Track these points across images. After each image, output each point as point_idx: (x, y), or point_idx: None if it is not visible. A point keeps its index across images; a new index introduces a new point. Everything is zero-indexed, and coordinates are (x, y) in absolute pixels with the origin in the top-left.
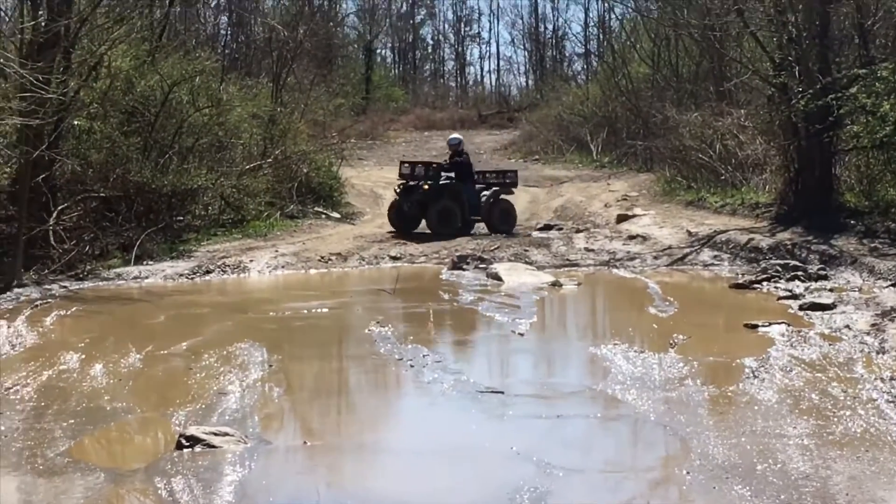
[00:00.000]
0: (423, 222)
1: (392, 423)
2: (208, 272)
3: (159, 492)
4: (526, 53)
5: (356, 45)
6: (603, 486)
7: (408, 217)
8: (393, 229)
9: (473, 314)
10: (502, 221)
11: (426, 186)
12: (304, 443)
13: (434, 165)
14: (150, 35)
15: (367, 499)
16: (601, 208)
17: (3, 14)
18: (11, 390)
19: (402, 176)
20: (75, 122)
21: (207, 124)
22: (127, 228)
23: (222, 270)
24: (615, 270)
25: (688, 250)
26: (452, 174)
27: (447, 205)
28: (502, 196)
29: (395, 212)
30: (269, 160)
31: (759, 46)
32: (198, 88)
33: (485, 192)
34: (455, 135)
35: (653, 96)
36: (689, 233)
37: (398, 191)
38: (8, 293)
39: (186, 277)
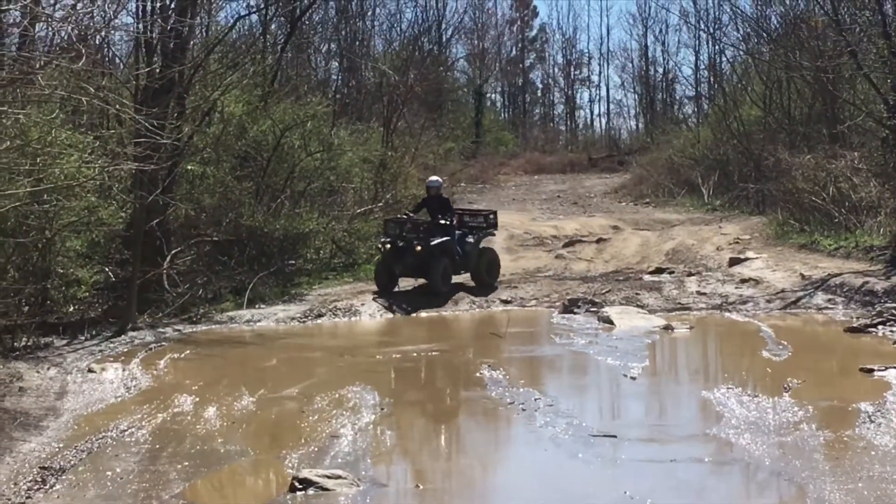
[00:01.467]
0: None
1: (504, 467)
2: (320, 315)
3: None
4: (636, 97)
5: (466, 90)
6: None
7: (395, 278)
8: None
9: (585, 358)
10: (489, 273)
11: (419, 248)
12: (417, 486)
13: (421, 223)
14: (262, 81)
15: None
16: (713, 251)
17: (118, 60)
18: (127, 432)
19: (387, 235)
20: (189, 167)
21: (319, 169)
22: (239, 272)
23: (334, 314)
24: (727, 314)
25: (801, 294)
26: (443, 221)
27: (445, 263)
28: (485, 244)
29: (382, 272)
30: (380, 204)
31: (873, 88)
32: (309, 133)
33: (468, 240)
34: (435, 177)
35: (765, 139)
36: (803, 276)
37: (384, 250)
38: (122, 336)
39: (298, 321)
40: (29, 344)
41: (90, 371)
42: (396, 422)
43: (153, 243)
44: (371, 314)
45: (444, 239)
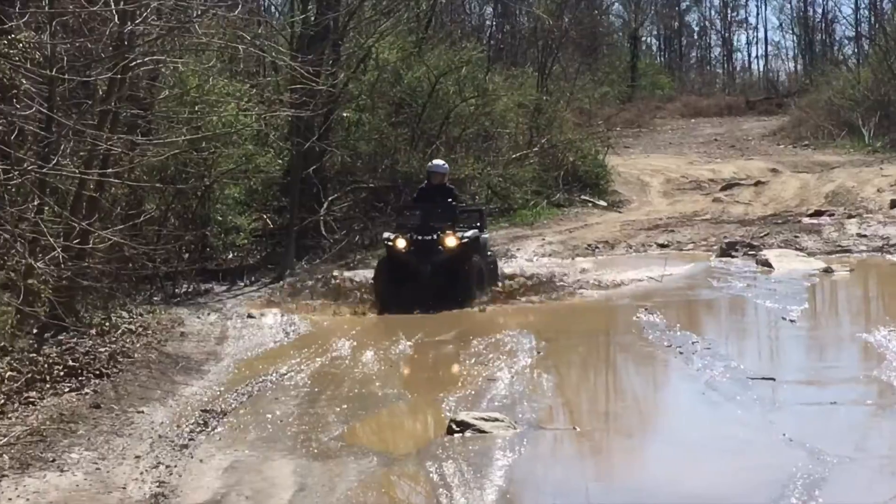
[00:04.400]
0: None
1: (660, 410)
2: None
3: (430, 476)
4: (794, 38)
5: (621, 33)
6: (878, 474)
7: (423, 286)
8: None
9: (743, 301)
10: (490, 279)
11: (453, 243)
12: (573, 428)
13: (460, 209)
14: (416, 27)
15: (635, 488)
16: (874, 193)
17: (273, 8)
18: (286, 376)
19: (399, 227)
20: (344, 114)
21: (473, 114)
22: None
23: None
24: (889, 256)
25: None
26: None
27: (480, 263)
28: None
29: (389, 275)
30: (535, 149)
31: None
32: (464, 79)
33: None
34: (439, 161)
35: None
36: None
37: (393, 247)
38: (281, 282)
39: None
40: (190, 290)
41: (250, 316)
42: (553, 365)
43: (310, 190)
44: (528, 258)
45: (475, 231)
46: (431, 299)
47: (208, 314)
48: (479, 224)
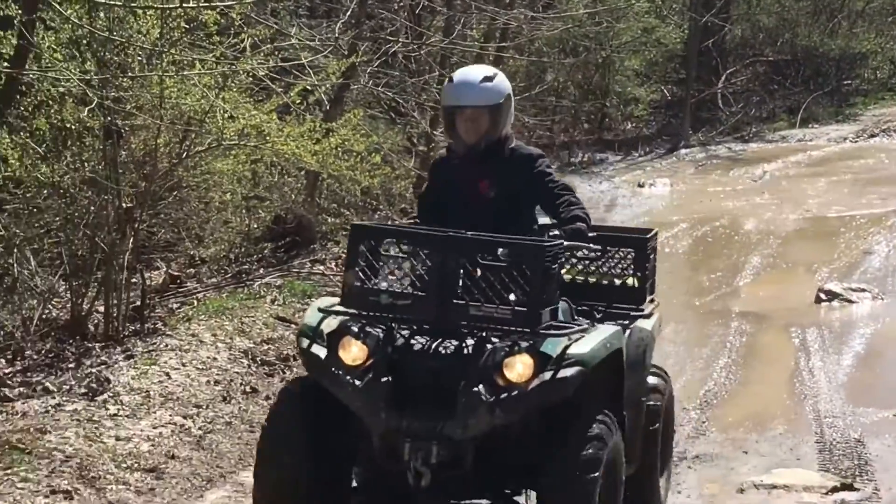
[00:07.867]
0: None
1: None
2: (873, 136)
3: (792, 339)
4: None
5: None
6: None
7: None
8: None
9: None
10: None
11: (523, 374)
12: None
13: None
14: None
15: None
16: None
17: None
18: (667, 243)
19: (363, 296)
20: None
21: None
22: (794, 92)
23: (888, 134)
24: None
25: None
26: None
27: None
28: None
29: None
30: None
31: None
32: None
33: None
34: (477, 70)
35: None
36: None
37: (352, 365)
38: (674, 154)
39: (850, 141)
40: (584, 159)
41: (639, 186)
42: None
43: (709, 63)
44: None
45: (611, 333)
46: None
47: (600, 182)
48: (633, 266)
